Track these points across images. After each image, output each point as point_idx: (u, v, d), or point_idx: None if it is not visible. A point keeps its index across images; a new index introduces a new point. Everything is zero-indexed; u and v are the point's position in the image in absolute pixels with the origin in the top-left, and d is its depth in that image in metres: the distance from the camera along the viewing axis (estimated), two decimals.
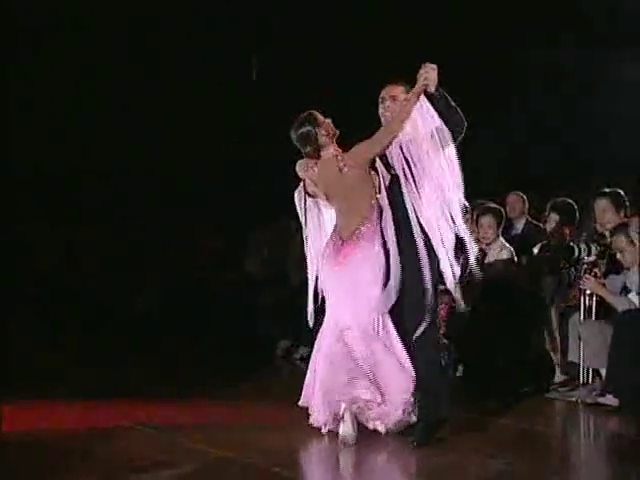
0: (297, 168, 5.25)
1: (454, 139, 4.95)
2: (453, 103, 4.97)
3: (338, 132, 5.18)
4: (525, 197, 8.36)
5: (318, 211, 5.24)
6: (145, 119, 11.40)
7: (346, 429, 4.92)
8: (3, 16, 9.99)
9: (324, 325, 5.12)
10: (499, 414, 5.90)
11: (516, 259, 7.37)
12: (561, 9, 9.90)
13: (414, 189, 4.89)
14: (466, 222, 7.86)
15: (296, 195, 5.29)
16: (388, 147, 4.98)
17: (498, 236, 7.38)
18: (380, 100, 5.20)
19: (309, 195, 5.22)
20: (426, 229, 4.90)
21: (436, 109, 4.92)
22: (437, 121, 4.88)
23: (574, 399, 6.34)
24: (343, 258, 5.02)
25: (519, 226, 8.20)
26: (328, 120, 5.16)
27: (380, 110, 5.19)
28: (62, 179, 11.83)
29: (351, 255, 5.00)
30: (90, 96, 11.47)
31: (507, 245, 7.40)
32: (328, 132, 5.12)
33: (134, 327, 10.15)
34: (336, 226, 5.14)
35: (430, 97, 4.93)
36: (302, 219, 5.29)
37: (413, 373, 5.00)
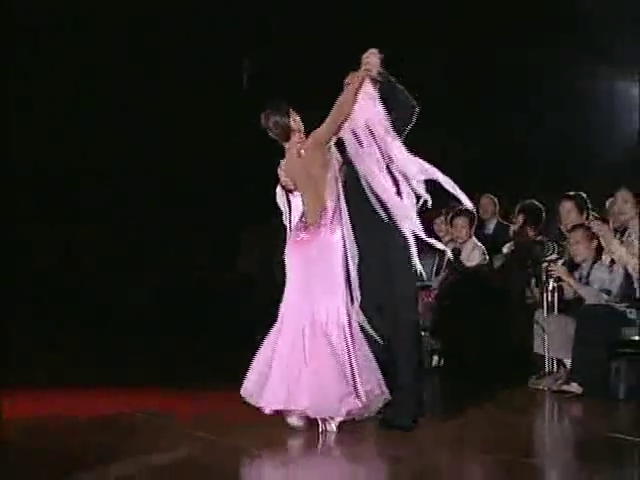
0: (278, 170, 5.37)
1: (406, 122, 5.00)
2: (400, 86, 5.01)
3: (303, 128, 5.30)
4: (496, 199, 8.69)
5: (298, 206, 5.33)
6: (145, 119, 11.40)
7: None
8: (3, 16, 10.01)
9: (280, 318, 5.15)
10: (480, 406, 6.00)
11: (487, 258, 7.82)
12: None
13: (370, 167, 4.93)
14: (441, 223, 8.21)
15: (277, 191, 5.40)
16: (340, 129, 5.06)
17: (471, 236, 7.86)
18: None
19: (285, 189, 5.32)
20: (388, 206, 4.90)
21: (382, 95, 4.96)
22: (383, 111, 4.94)
23: (541, 387, 6.77)
24: (304, 244, 5.08)
25: (490, 226, 8.74)
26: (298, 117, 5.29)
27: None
28: (62, 179, 11.84)
29: (312, 242, 5.06)
30: (90, 96, 11.49)
31: (479, 244, 7.87)
32: (296, 121, 5.25)
33: (133, 327, 10.17)
34: (302, 213, 5.23)
35: (380, 84, 4.99)
36: (284, 215, 5.39)
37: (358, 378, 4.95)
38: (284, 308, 5.17)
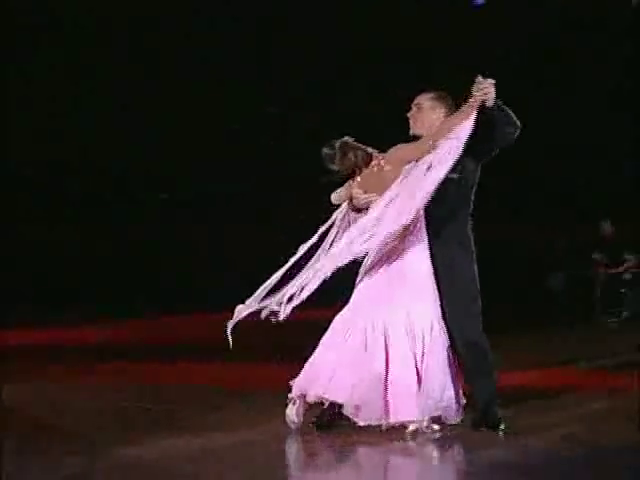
0: (334, 198, 5.22)
1: (506, 142, 4.98)
2: (510, 112, 4.99)
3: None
4: None
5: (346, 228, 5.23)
6: (145, 119, 11.42)
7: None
8: (3, 16, 10.02)
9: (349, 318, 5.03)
10: None
11: None
12: None
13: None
14: None
15: (337, 214, 5.25)
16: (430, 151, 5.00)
17: None
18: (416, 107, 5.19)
19: (353, 210, 5.20)
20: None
21: (488, 120, 4.95)
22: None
23: None
24: (390, 252, 5.02)
25: None
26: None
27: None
28: (62, 179, 11.86)
29: (397, 250, 5.01)
30: (90, 96, 11.50)
31: None
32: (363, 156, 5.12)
33: (133, 326, 10.17)
34: None
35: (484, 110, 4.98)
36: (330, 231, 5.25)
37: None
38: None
